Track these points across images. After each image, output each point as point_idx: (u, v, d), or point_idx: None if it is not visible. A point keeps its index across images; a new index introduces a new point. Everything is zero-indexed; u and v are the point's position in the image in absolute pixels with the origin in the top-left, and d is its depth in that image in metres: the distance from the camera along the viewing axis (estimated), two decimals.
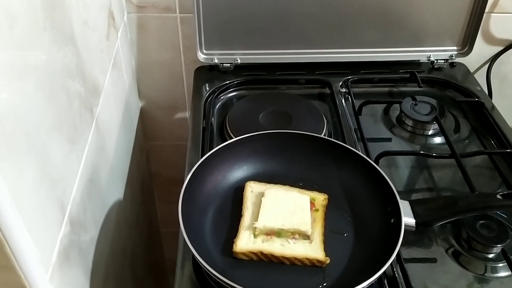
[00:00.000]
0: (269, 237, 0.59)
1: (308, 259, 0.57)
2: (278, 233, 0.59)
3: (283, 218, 0.60)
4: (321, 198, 0.64)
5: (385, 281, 0.58)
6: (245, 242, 0.58)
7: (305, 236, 0.59)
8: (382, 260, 0.52)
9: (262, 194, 0.63)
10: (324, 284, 0.56)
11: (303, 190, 0.65)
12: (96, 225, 0.67)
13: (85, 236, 0.61)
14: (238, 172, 0.68)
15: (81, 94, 0.62)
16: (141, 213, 1.02)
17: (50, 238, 0.49)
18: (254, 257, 0.58)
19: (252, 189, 0.65)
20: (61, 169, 0.53)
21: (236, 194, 0.65)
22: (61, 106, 0.54)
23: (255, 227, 0.59)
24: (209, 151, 0.65)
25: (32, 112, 0.46)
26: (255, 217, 0.61)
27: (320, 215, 0.62)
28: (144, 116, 1.08)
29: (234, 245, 0.58)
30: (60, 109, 0.54)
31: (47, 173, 0.48)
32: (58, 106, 0.53)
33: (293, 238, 0.59)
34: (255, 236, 0.59)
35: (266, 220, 0.60)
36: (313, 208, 0.63)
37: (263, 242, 0.59)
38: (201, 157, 0.65)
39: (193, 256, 0.53)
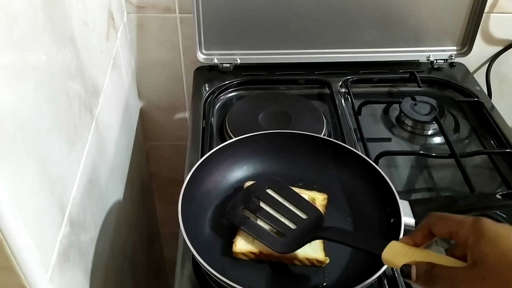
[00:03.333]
0: None
1: (307, 259, 0.57)
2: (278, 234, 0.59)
3: (283, 218, 0.60)
4: (320, 198, 0.64)
5: (385, 281, 0.58)
6: (244, 243, 0.58)
7: None
8: (382, 260, 0.52)
9: None
10: (324, 284, 0.56)
11: (303, 190, 0.65)
12: (96, 225, 0.67)
13: (85, 237, 0.61)
14: (237, 172, 0.68)
15: (81, 95, 0.62)
16: (141, 214, 1.02)
17: (50, 238, 0.49)
18: (254, 258, 0.58)
19: None
20: (61, 170, 0.53)
21: (236, 194, 0.65)
22: (60, 107, 0.54)
23: None
24: (208, 151, 0.65)
25: (32, 112, 0.46)
26: (255, 217, 0.61)
27: None
28: (143, 117, 1.08)
29: (233, 245, 0.58)
30: (60, 109, 0.54)
31: (46, 174, 0.48)
32: (58, 106, 0.53)
33: None
34: None
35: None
36: None
37: None
38: (201, 157, 0.65)
39: (193, 256, 0.53)
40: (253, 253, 0.58)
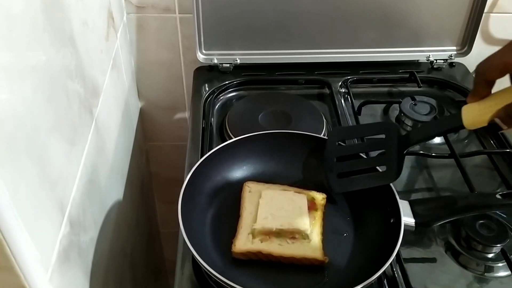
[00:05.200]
0: (267, 237, 0.59)
1: (306, 258, 0.57)
2: (277, 233, 0.59)
3: (282, 218, 0.60)
4: (319, 198, 0.64)
5: (385, 281, 0.58)
6: (243, 243, 0.58)
7: (304, 236, 0.59)
8: (381, 260, 0.52)
9: (260, 194, 0.63)
10: (324, 284, 0.56)
11: (302, 190, 0.65)
12: (96, 225, 0.67)
13: (84, 237, 0.61)
14: (237, 172, 0.68)
15: (81, 95, 0.62)
16: (140, 214, 1.02)
17: (50, 238, 0.49)
18: (253, 257, 0.58)
19: (250, 189, 0.65)
20: (60, 170, 0.53)
21: (236, 194, 0.65)
22: (60, 107, 0.54)
23: (254, 229, 0.59)
24: (208, 151, 0.65)
25: (32, 113, 0.46)
26: (254, 217, 0.61)
27: (319, 214, 0.62)
28: (143, 117, 1.08)
29: (232, 245, 0.58)
30: (60, 109, 0.54)
31: (46, 174, 0.48)
32: (58, 106, 0.53)
33: (291, 238, 0.59)
34: (253, 236, 0.59)
35: (264, 222, 0.60)
36: (313, 208, 0.63)
37: (261, 242, 0.59)
38: (201, 157, 0.65)
39: (193, 256, 0.53)
40: (252, 253, 0.58)
